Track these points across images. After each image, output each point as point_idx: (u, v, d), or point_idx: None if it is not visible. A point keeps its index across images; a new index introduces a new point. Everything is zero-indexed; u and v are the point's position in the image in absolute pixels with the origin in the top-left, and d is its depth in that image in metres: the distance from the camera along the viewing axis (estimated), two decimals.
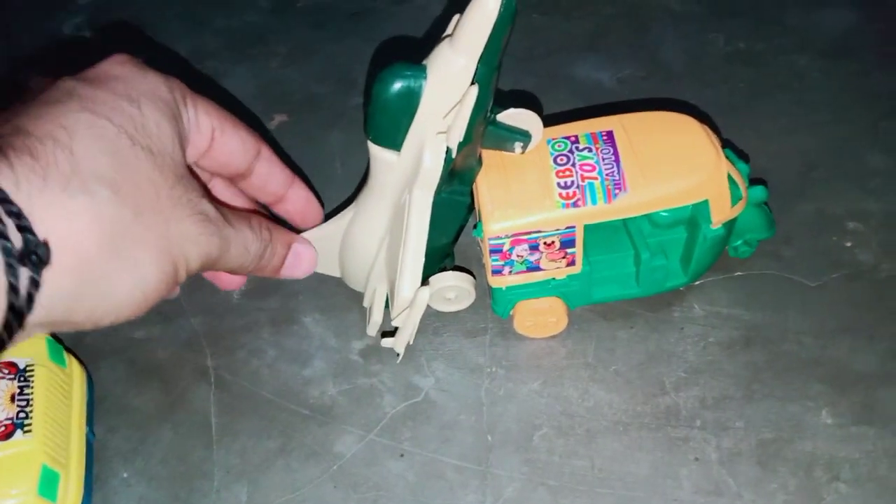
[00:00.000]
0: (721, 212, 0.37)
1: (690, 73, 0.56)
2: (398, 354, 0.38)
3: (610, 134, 0.38)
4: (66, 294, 0.22)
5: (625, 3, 0.63)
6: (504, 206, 0.36)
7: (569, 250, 0.37)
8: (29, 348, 0.35)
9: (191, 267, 0.26)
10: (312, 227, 0.39)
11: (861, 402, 0.37)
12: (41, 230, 0.20)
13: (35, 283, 0.20)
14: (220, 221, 0.28)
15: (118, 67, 0.27)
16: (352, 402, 0.40)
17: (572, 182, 0.36)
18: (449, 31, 0.32)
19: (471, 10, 0.31)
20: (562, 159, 0.37)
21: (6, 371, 0.34)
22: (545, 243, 0.37)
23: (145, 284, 0.24)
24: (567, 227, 0.36)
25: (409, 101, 0.32)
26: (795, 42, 0.57)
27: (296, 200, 0.36)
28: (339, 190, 0.49)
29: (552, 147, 0.38)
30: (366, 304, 0.41)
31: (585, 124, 0.39)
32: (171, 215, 0.25)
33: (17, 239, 0.20)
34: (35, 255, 0.20)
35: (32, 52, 0.70)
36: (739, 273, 0.43)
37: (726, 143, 0.48)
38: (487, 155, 0.38)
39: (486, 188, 0.37)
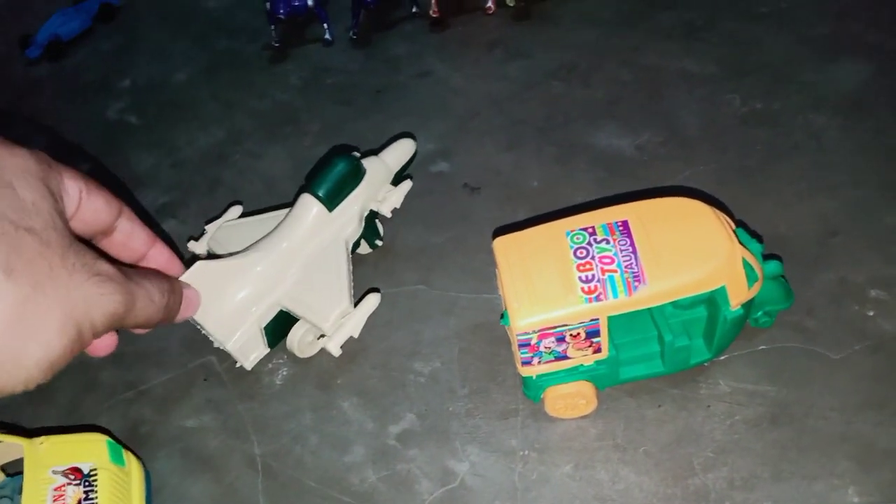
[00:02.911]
0: (738, 295, 0.38)
1: (707, 137, 0.57)
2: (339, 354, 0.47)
3: (626, 224, 0.40)
4: None
5: (641, 68, 0.65)
6: (529, 302, 0.38)
7: (594, 339, 0.39)
8: (91, 453, 0.38)
9: (97, 328, 0.28)
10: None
11: (889, 480, 0.37)
12: None
13: None
14: (121, 278, 0.29)
15: None
16: (391, 489, 0.41)
17: (593, 276, 0.38)
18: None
19: (400, 144, 0.55)
20: (581, 252, 0.39)
21: (73, 477, 0.37)
22: (571, 335, 0.38)
23: (51, 351, 0.25)
24: (591, 320, 0.38)
25: (356, 180, 0.49)
26: (811, 99, 0.58)
27: (157, 259, 0.38)
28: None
29: (571, 240, 0.40)
30: (235, 345, 0.46)
31: (602, 214, 0.41)
32: (70, 282, 0.26)
33: None
34: None
35: (79, 138, 0.75)
36: (763, 346, 0.44)
37: (740, 216, 0.49)
38: (508, 250, 0.40)
39: (511, 282, 0.39)
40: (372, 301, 0.48)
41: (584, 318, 0.37)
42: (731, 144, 0.56)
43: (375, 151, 0.54)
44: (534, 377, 0.40)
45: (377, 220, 0.53)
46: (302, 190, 0.49)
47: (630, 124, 0.60)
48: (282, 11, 0.74)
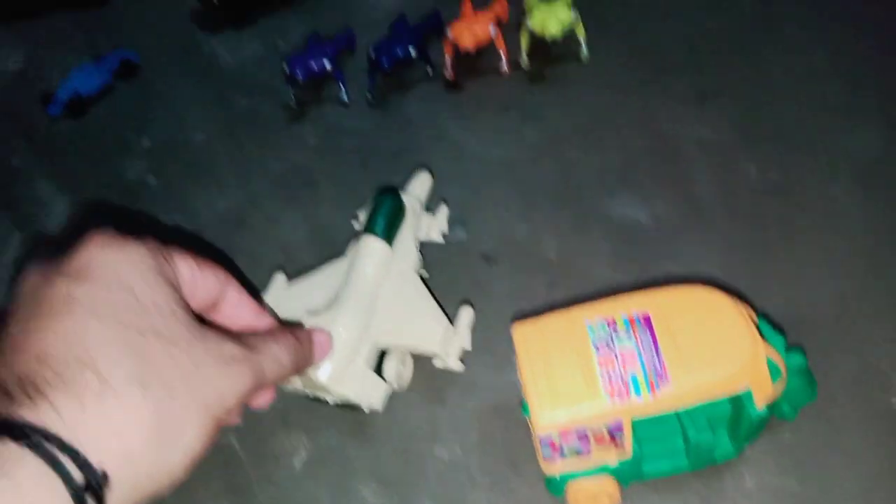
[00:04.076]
0: (763, 395, 0.38)
1: (724, 208, 0.57)
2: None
3: (647, 319, 0.40)
4: (126, 495, 0.25)
5: (655, 133, 0.65)
6: (551, 401, 0.38)
7: (618, 437, 0.39)
8: None
9: (231, 410, 0.29)
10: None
11: None
12: (94, 454, 0.23)
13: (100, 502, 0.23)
14: (246, 354, 0.30)
15: (98, 253, 0.28)
16: None
17: (615, 373, 0.38)
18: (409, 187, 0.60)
19: (419, 178, 0.61)
20: (602, 347, 0.39)
21: None
22: (594, 433, 0.38)
23: (191, 447, 0.27)
24: (614, 420, 0.38)
25: (403, 212, 0.54)
26: (827, 170, 0.58)
27: (265, 327, 0.38)
28: None
29: (592, 333, 0.40)
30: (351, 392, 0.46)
31: (622, 304, 0.41)
32: (199, 377, 0.27)
33: (77, 475, 0.23)
34: (97, 483, 0.23)
35: (99, 199, 0.76)
36: (788, 438, 0.43)
37: (760, 295, 0.49)
38: (528, 340, 0.40)
39: (532, 378, 0.39)
40: (467, 313, 0.50)
41: (607, 420, 0.37)
42: (748, 217, 0.56)
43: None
44: (556, 476, 0.40)
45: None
46: (355, 236, 0.53)
47: (645, 193, 0.60)
48: (300, 75, 0.75)
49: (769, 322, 0.42)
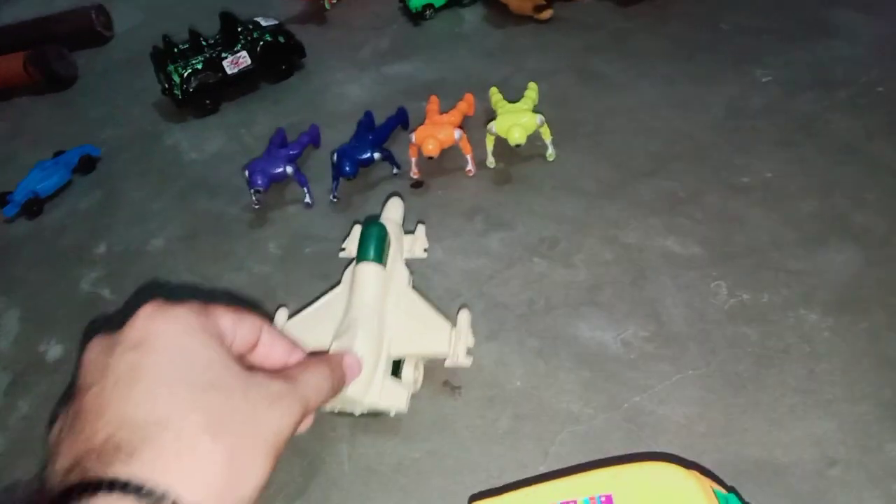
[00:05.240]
0: None
1: (694, 334, 0.55)
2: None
3: (609, 501, 0.37)
4: None
5: (623, 246, 0.63)
6: None
7: None
8: None
9: (287, 438, 0.33)
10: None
11: None
12: (186, 497, 0.27)
13: None
14: (291, 389, 0.34)
15: (151, 323, 0.32)
16: None
17: None
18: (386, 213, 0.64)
19: (392, 203, 0.65)
20: None
21: None
22: None
23: (259, 479, 0.31)
24: None
25: (387, 236, 0.58)
26: (800, 292, 0.56)
27: (297, 360, 0.42)
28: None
29: None
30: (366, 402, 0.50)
31: (585, 484, 0.38)
32: (256, 418, 0.31)
33: None
34: None
35: (51, 311, 0.73)
36: None
37: (732, 436, 0.47)
38: None
39: None
40: (465, 314, 0.55)
41: None
42: (720, 345, 0.54)
43: None
44: None
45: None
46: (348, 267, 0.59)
47: (614, 314, 0.58)
48: (260, 183, 0.73)
49: (739, 498, 0.39)
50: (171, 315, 0.33)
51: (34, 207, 0.85)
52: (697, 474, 0.38)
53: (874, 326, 0.53)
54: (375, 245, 0.56)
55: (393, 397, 0.51)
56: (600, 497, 0.37)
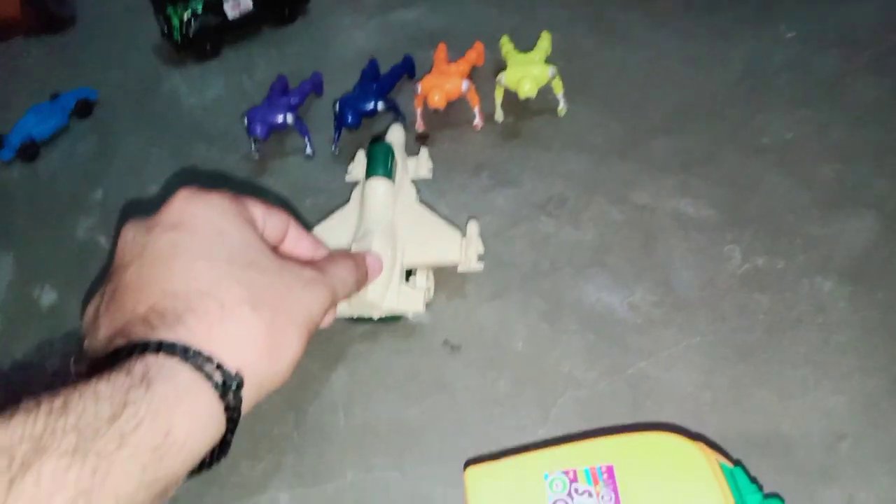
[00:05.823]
0: None
1: (705, 300, 0.53)
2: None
3: (611, 472, 0.36)
4: (253, 392, 0.31)
5: (633, 206, 0.61)
6: None
7: None
8: None
9: (318, 321, 0.35)
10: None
11: None
12: (228, 362, 0.29)
13: (239, 400, 0.30)
14: (321, 277, 0.36)
15: (188, 205, 0.33)
16: None
17: None
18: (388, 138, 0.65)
19: (394, 128, 0.66)
20: None
21: None
22: None
23: (294, 354, 0.33)
24: None
25: (392, 154, 0.60)
26: (816, 259, 0.54)
27: (322, 256, 0.43)
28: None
29: (550, 487, 0.36)
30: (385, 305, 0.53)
31: (585, 452, 0.37)
32: (291, 297, 0.33)
33: (218, 377, 0.29)
34: (234, 383, 0.29)
35: (46, 258, 0.71)
36: None
37: (740, 408, 0.45)
38: (481, 489, 0.36)
39: None
40: (474, 224, 0.58)
41: None
42: (731, 311, 0.52)
43: None
44: None
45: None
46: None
47: (621, 277, 0.56)
48: (260, 132, 0.70)
49: (745, 471, 0.38)
50: (207, 199, 0.34)
51: (30, 151, 0.83)
52: (703, 446, 0.36)
53: (890, 299, 0.51)
54: (384, 161, 0.58)
55: (409, 300, 0.54)
56: (601, 467, 0.36)
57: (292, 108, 0.72)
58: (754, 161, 0.62)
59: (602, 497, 0.35)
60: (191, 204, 0.33)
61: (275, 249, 0.37)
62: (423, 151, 0.66)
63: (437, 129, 0.73)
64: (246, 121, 0.72)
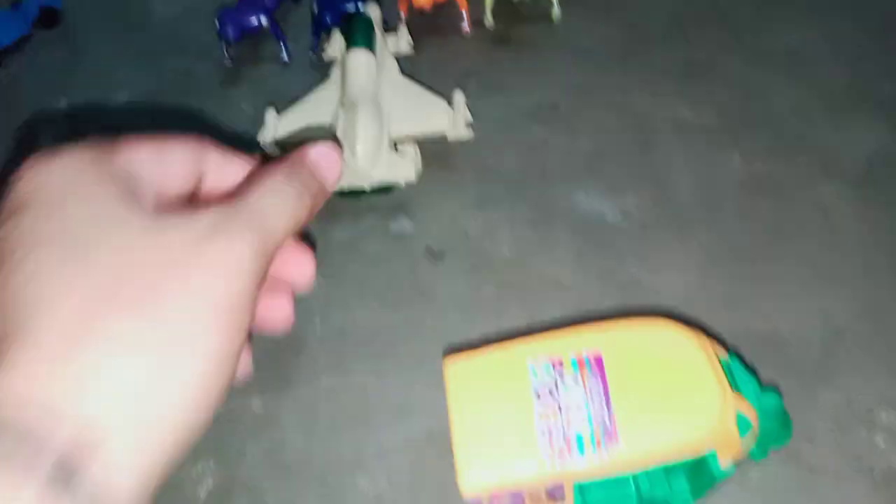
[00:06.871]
0: (730, 454, 0.32)
1: (702, 204, 0.51)
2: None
3: (599, 361, 0.33)
4: (142, 463, 0.21)
5: (630, 113, 0.58)
6: (480, 459, 0.32)
7: (559, 498, 0.33)
8: None
9: (246, 290, 0.24)
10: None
11: None
12: (69, 412, 0.20)
13: (98, 491, 0.20)
14: (233, 215, 0.24)
15: (38, 177, 0.25)
16: None
17: (557, 428, 0.32)
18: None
19: (370, 6, 0.63)
20: (545, 394, 0.33)
21: None
22: (530, 497, 0.32)
23: (211, 370, 0.23)
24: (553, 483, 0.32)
25: (373, 27, 0.59)
26: (820, 164, 0.51)
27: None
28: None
29: (534, 376, 0.33)
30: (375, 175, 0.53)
31: (572, 339, 0.34)
32: (180, 271, 0.23)
33: (47, 458, 0.19)
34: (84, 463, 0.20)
35: (8, 169, 0.67)
36: (756, 479, 0.38)
37: (735, 309, 0.43)
38: (460, 380, 0.34)
39: (460, 429, 0.33)
40: (460, 94, 0.57)
41: (545, 483, 0.31)
42: (729, 216, 0.50)
43: None
44: None
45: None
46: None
47: (615, 184, 0.53)
48: (232, 34, 0.66)
49: (741, 361, 0.36)
50: (56, 166, 0.25)
51: None
52: (700, 333, 0.34)
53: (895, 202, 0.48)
54: (364, 35, 0.57)
55: (400, 168, 0.53)
56: (587, 354, 0.34)
57: (267, 11, 0.67)
58: (759, 67, 0.59)
59: (589, 388, 0.33)
60: (38, 175, 0.25)
61: (193, 197, 0.29)
62: (402, 27, 0.64)
63: (422, 35, 0.68)
64: (217, 23, 0.67)
